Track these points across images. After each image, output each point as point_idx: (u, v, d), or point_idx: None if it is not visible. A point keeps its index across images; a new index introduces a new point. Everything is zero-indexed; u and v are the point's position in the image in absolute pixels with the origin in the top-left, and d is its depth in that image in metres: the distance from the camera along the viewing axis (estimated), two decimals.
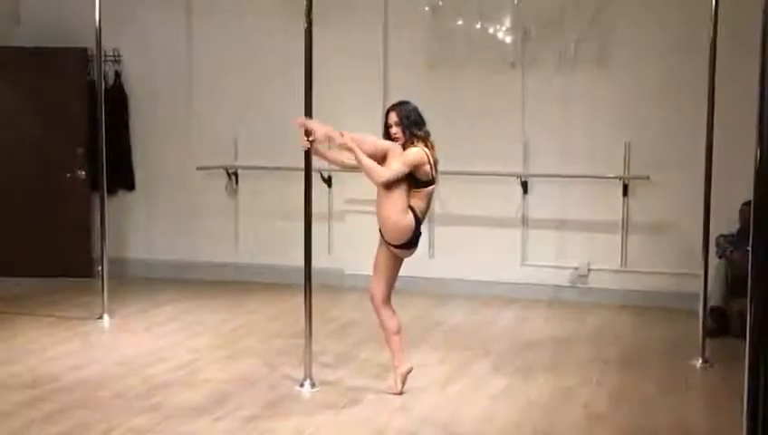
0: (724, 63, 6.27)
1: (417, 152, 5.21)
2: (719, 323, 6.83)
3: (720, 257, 7.06)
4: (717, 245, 7.06)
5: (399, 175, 5.17)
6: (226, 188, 9.00)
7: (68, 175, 8.97)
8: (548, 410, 5.11)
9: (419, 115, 5.38)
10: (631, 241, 7.98)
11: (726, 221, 7.02)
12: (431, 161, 5.27)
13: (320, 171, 8.19)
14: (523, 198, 8.20)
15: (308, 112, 5.43)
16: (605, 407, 5.19)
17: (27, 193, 8.99)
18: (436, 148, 5.39)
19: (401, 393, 5.31)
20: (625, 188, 7.91)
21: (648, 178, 7.76)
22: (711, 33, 5.99)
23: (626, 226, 7.97)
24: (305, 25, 5.38)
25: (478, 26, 8.16)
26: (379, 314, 5.43)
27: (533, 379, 5.71)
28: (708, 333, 6.28)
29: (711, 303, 6.68)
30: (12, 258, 9.01)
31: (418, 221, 5.26)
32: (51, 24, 9.01)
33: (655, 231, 7.92)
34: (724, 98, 6.30)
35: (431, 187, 5.32)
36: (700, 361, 6.08)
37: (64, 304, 7.77)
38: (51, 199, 9.00)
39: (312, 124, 5.31)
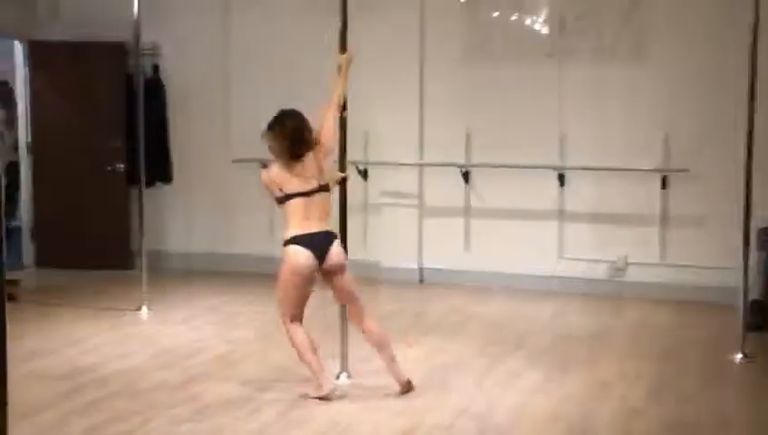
0: (765, 53, 6.18)
1: None
2: (759, 317, 6.74)
3: (761, 250, 6.96)
4: (758, 238, 6.96)
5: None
6: None
7: (107, 168, 9.06)
8: (585, 404, 5.07)
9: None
10: (670, 234, 7.89)
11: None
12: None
13: (355, 164, 8.20)
14: (560, 191, 8.14)
15: (344, 104, 5.44)
16: (643, 401, 5.14)
17: (67, 186, 9.09)
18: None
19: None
20: (663, 180, 7.82)
21: (687, 170, 7.66)
22: (751, 23, 5.90)
23: (664, 219, 7.88)
24: (340, 20, 5.39)
25: (514, 17, 8.11)
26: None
27: (570, 373, 5.68)
28: (748, 327, 6.20)
29: (751, 296, 6.59)
30: (52, 250, 9.14)
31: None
32: (89, 18, 9.09)
33: (694, 224, 7.81)
34: (765, 88, 6.20)
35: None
36: (740, 355, 6.00)
37: (103, 296, 7.85)
38: (90, 192, 9.09)
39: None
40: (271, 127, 5.09)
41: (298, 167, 5.04)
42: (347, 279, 5.20)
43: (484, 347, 6.28)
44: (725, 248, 7.36)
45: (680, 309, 7.50)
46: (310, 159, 5.07)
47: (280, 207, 5.13)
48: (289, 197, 5.04)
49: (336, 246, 5.11)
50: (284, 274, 5.07)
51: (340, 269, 5.13)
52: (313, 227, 5.04)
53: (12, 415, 3.28)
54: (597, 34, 7.87)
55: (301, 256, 5.00)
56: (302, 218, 5.03)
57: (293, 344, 5.16)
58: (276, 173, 5.07)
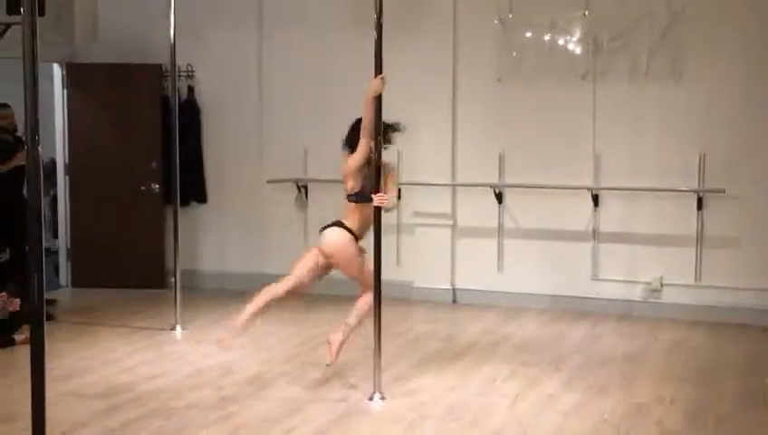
0: None
1: None
2: None
3: None
4: None
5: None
6: (296, 200, 9.08)
7: (142, 188, 9.15)
8: (621, 428, 5.02)
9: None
10: (706, 255, 7.82)
11: None
12: None
13: None
14: (594, 212, 8.10)
15: (377, 126, 5.47)
16: (680, 425, 5.09)
17: (103, 206, 9.19)
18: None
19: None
20: (699, 201, 7.76)
21: (723, 191, 7.59)
22: None
23: (700, 240, 7.81)
24: (375, 41, 5.42)
25: (548, 38, 8.11)
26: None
27: (606, 396, 5.63)
28: None
29: None
30: (88, 270, 9.24)
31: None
32: (127, 41, 9.23)
33: (731, 245, 7.74)
34: None
35: None
36: None
37: (138, 316, 7.92)
38: (126, 212, 9.19)
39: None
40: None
41: None
42: (343, 264, 5.68)
43: (518, 368, 6.25)
44: (762, 269, 7.29)
45: (716, 331, 7.42)
46: None
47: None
48: None
49: (326, 233, 5.64)
50: None
51: (329, 255, 5.67)
52: None
53: (50, 433, 3.33)
54: (632, 55, 7.84)
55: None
56: None
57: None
58: None
